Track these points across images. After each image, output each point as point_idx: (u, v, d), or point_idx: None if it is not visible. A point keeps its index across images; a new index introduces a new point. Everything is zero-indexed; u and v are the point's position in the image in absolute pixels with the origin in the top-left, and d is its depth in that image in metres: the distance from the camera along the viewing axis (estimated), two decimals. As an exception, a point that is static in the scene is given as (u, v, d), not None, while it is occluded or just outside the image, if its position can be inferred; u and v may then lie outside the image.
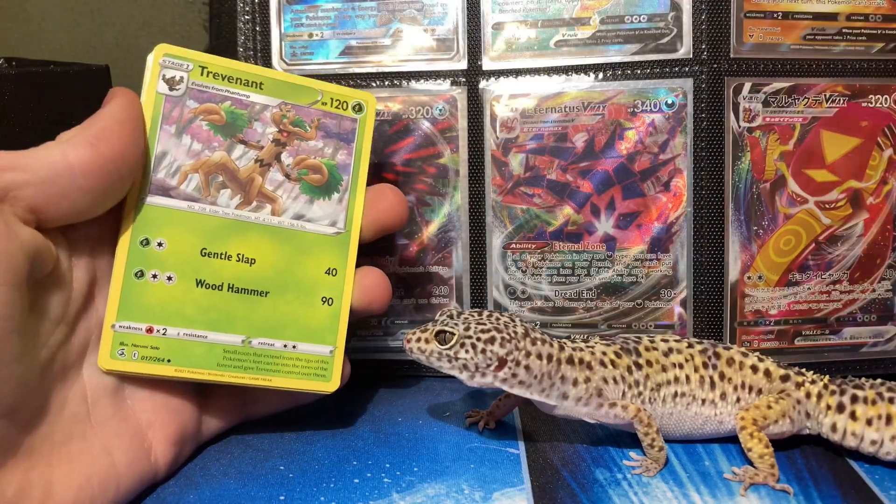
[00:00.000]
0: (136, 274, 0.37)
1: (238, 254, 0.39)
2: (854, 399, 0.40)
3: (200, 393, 0.41)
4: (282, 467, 0.40)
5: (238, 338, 0.39)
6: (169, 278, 0.38)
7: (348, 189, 0.42)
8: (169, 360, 0.38)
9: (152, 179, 0.38)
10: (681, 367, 0.41)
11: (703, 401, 0.41)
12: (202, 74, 0.39)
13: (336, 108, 0.41)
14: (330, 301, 0.41)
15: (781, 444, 0.41)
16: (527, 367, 0.39)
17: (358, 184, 0.42)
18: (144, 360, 0.37)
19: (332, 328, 0.41)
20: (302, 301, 0.40)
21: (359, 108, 0.42)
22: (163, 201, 0.38)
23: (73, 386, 0.35)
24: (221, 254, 0.39)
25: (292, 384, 0.40)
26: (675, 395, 0.41)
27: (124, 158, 0.35)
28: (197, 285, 0.38)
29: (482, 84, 0.50)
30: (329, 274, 0.41)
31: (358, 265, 0.42)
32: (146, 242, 0.37)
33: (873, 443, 0.39)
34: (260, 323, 0.39)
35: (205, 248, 0.39)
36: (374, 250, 0.50)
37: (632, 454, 0.41)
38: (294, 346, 0.40)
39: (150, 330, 0.37)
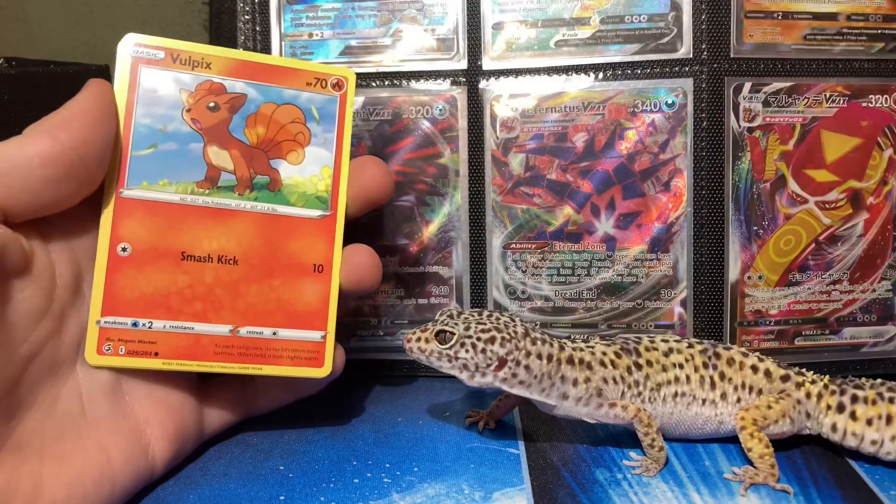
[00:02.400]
0: (118, 269, 0.37)
1: (222, 242, 0.39)
2: (854, 399, 0.40)
3: (200, 389, 0.41)
4: (282, 467, 0.40)
5: (225, 328, 0.39)
6: (151, 271, 0.38)
7: (331, 168, 0.41)
8: (156, 354, 0.38)
9: (129, 170, 0.37)
10: (681, 367, 0.41)
11: (704, 401, 0.41)
12: (174, 62, 0.39)
13: (316, 86, 0.41)
14: (318, 285, 0.40)
15: (781, 444, 0.41)
16: (527, 367, 0.39)
17: (341, 163, 0.41)
18: (132, 355, 0.37)
19: (321, 312, 0.40)
20: (289, 287, 0.40)
21: (338, 85, 0.41)
22: (140, 193, 0.38)
23: (66, 382, 0.35)
24: (204, 243, 0.38)
25: (283, 371, 0.40)
26: (676, 395, 0.41)
27: (87, 145, 0.34)
28: (180, 276, 0.38)
29: (482, 84, 0.50)
30: (315, 258, 0.40)
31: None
32: (126, 236, 0.37)
33: (873, 443, 0.39)
34: (247, 311, 0.39)
35: (187, 239, 0.38)
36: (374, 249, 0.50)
37: (632, 454, 0.41)
38: (284, 333, 0.40)
39: (135, 324, 0.37)
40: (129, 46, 0.38)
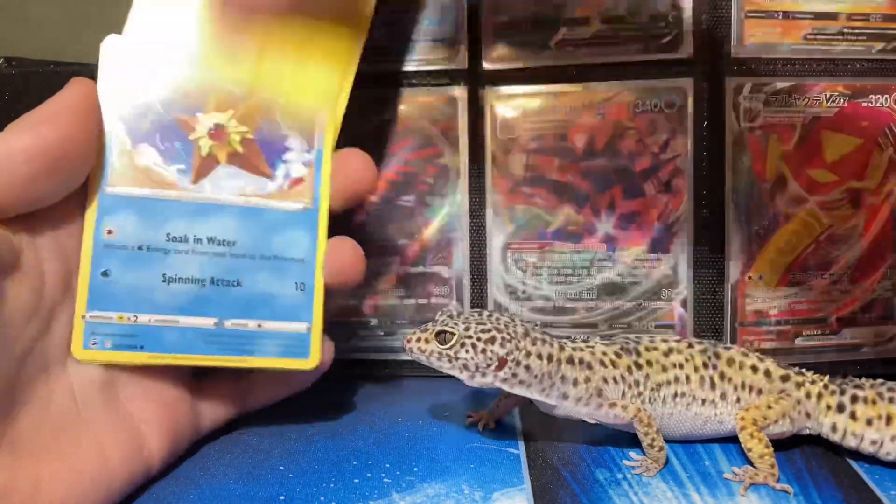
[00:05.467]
0: (102, 262, 0.37)
1: (205, 237, 0.39)
2: (854, 399, 0.40)
3: (194, 385, 0.41)
4: (282, 467, 0.40)
5: (210, 320, 0.39)
6: (136, 266, 0.38)
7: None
8: (142, 347, 0.38)
9: (113, 166, 0.37)
10: (681, 367, 0.41)
11: (704, 401, 0.41)
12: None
13: None
14: (302, 277, 0.40)
15: (781, 444, 0.41)
16: (527, 367, 0.39)
17: (324, 157, 0.41)
18: (117, 349, 0.37)
19: (306, 305, 0.40)
20: (273, 280, 0.39)
21: None
22: (124, 189, 0.38)
23: (57, 381, 0.35)
24: (188, 239, 0.38)
25: (270, 364, 0.39)
26: (676, 395, 0.41)
27: (71, 141, 0.34)
28: (165, 271, 0.38)
29: (482, 84, 0.50)
30: (299, 250, 0.40)
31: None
32: (110, 232, 0.37)
33: (873, 443, 0.39)
34: (232, 304, 0.39)
35: (170, 234, 0.38)
36: (374, 250, 0.50)
37: (632, 454, 0.41)
38: (268, 326, 0.39)
39: (120, 318, 0.37)
40: (111, 47, 0.38)
